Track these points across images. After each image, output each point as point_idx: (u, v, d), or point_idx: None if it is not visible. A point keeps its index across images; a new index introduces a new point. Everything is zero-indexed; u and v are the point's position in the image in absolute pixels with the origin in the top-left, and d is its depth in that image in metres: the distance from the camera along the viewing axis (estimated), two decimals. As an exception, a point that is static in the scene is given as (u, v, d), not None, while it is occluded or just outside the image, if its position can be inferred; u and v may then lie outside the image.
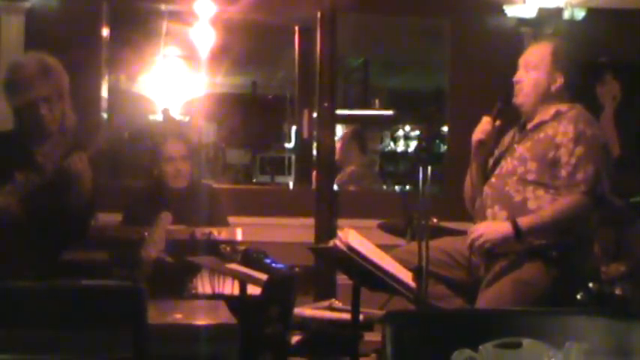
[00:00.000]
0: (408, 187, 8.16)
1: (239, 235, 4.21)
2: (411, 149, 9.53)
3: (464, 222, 3.93)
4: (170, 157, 4.79)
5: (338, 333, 3.62)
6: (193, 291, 4.00)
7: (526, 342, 1.87)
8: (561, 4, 5.99)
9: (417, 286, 3.20)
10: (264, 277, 3.55)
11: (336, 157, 5.84)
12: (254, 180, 7.87)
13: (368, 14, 6.43)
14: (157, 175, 4.83)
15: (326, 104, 5.36)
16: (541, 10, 6.00)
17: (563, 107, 3.67)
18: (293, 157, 7.43)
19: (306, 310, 3.81)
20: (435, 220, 4.10)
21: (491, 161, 3.79)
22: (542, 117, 3.68)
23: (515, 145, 3.71)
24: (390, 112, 9.89)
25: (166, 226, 3.95)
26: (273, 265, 3.84)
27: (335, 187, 5.61)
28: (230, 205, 4.91)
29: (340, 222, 5.11)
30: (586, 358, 1.86)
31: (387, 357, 1.90)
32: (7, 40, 5.69)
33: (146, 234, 3.92)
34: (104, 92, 5.99)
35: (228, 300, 3.39)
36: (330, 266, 4.86)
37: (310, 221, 5.26)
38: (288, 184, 7.36)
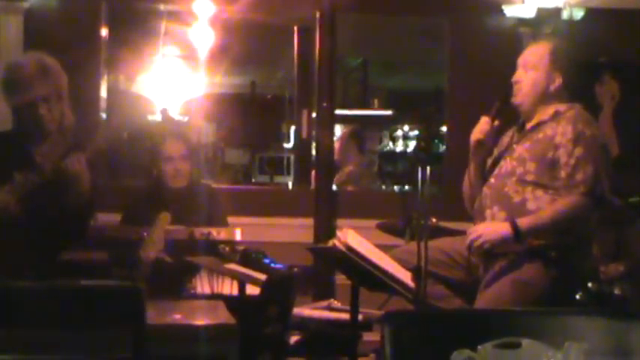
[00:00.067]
0: (406, 187, 8.14)
1: (238, 235, 4.21)
2: (409, 149, 9.50)
3: (463, 222, 3.93)
4: (169, 157, 4.78)
5: (337, 333, 3.62)
6: (192, 291, 4.00)
7: (525, 342, 1.87)
8: (560, 4, 5.98)
9: (416, 286, 3.20)
10: (263, 277, 3.55)
11: (335, 157, 5.84)
12: (253, 180, 7.88)
13: (367, 14, 6.42)
14: (156, 175, 4.82)
15: (325, 104, 5.38)
16: (540, 10, 5.99)
17: (562, 107, 3.67)
18: (292, 157, 7.43)
19: (305, 310, 3.81)
20: (434, 220, 4.09)
21: (490, 161, 3.78)
22: (541, 117, 3.67)
23: (514, 146, 3.70)
24: (388, 112, 9.89)
25: (165, 226, 3.94)
26: (272, 265, 3.84)
27: (334, 187, 5.62)
28: (229, 205, 4.90)
29: (339, 222, 5.12)
30: (585, 358, 1.86)
31: (386, 357, 1.90)
32: (6, 40, 5.67)
33: (145, 234, 3.91)
34: (103, 92, 5.98)
35: (227, 300, 3.40)
36: (329, 266, 4.87)
37: (309, 221, 5.27)
38: (287, 184, 7.37)
